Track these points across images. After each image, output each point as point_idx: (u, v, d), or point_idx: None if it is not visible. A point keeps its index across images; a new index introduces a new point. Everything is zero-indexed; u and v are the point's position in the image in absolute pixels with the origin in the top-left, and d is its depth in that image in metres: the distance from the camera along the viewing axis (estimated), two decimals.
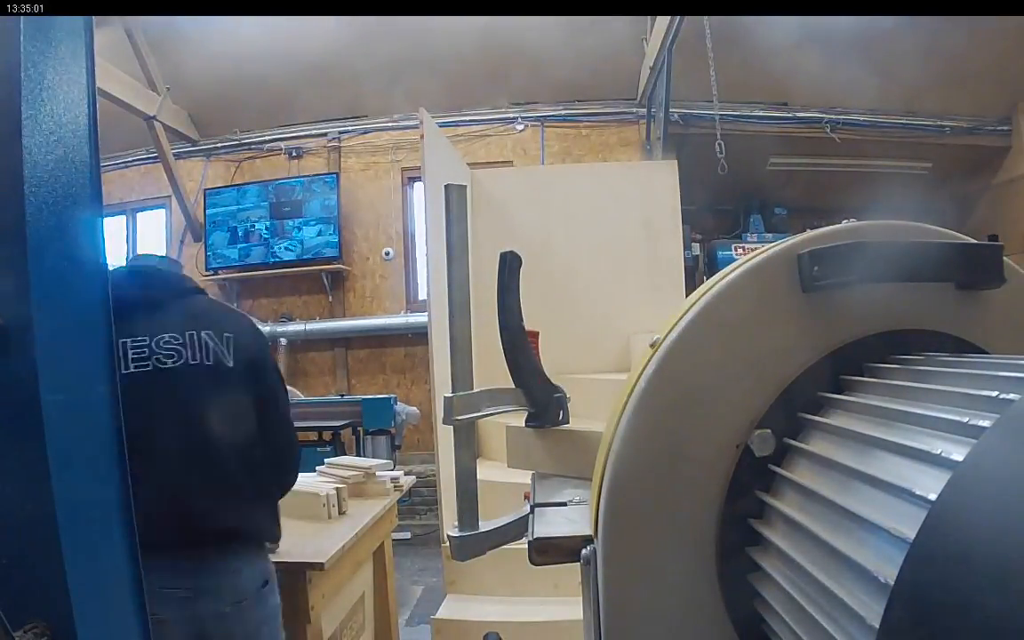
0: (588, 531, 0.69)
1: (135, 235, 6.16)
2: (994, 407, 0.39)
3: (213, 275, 5.62)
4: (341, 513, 2.07)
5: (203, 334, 1.33)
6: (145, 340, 1.29)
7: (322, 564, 1.64)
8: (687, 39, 3.89)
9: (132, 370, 1.26)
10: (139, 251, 1.64)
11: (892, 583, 0.34)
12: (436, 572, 3.63)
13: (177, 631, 1.21)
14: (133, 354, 1.28)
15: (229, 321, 1.41)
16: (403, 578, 2.80)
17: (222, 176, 5.80)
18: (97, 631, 0.68)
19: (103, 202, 0.76)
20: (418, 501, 4.69)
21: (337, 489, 2.08)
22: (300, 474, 1.59)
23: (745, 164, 4.43)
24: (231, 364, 1.34)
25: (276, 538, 1.47)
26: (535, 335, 0.97)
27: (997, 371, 0.44)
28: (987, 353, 0.60)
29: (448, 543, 0.89)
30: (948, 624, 0.28)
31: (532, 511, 0.83)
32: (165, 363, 1.28)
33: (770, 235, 5.24)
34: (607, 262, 4.08)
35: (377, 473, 2.35)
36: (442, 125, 4.44)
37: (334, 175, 5.53)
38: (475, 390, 0.86)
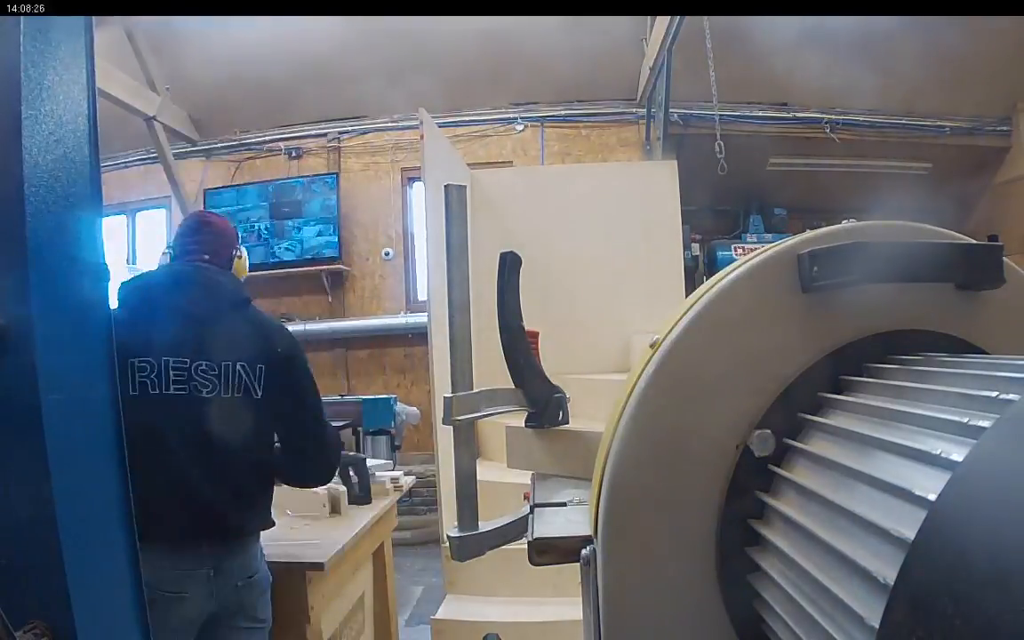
0: (588, 531, 0.69)
1: (135, 235, 6.16)
2: (994, 407, 0.39)
3: None
4: (340, 513, 2.07)
5: (238, 366, 1.47)
6: (185, 363, 1.43)
7: (322, 565, 1.64)
8: (687, 39, 3.88)
9: (172, 392, 1.42)
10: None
11: (892, 583, 0.34)
12: (436, 572, 3.62)
13: (198, 604, 1.44)
14: (174, 375, 1.43)
15: (265, 346, 1.51)
16: (403, 578, 2.80)
17: (222, 176, 5.79)
18: (97, 631, 0.68)
19: (103, 202, 0.76)
20: (418, 501, 4.69)
21: (337, 489, 2.08)
22: None
23: (745, 164, 4.42)
24: (259, 395, 1.49)
25: (273, 524, 1.66)
26: (535, 335, 0.97)
27: (997, 371, 0.44)
28: (987, 353, 0.60)
29: (448, 543, 0.89)
30: (948, 624, 0.28)
31: (532, 511, 0.83)
32: (200, 392, 1.44)
33: (770, 235, 5.23)
34: (607, 262, 4.07)
35: (377, 473, 2.35)
36: (442, 125, 4.43)
37: (334, 175, 5.53)
38: (475, 390, 0.86)
